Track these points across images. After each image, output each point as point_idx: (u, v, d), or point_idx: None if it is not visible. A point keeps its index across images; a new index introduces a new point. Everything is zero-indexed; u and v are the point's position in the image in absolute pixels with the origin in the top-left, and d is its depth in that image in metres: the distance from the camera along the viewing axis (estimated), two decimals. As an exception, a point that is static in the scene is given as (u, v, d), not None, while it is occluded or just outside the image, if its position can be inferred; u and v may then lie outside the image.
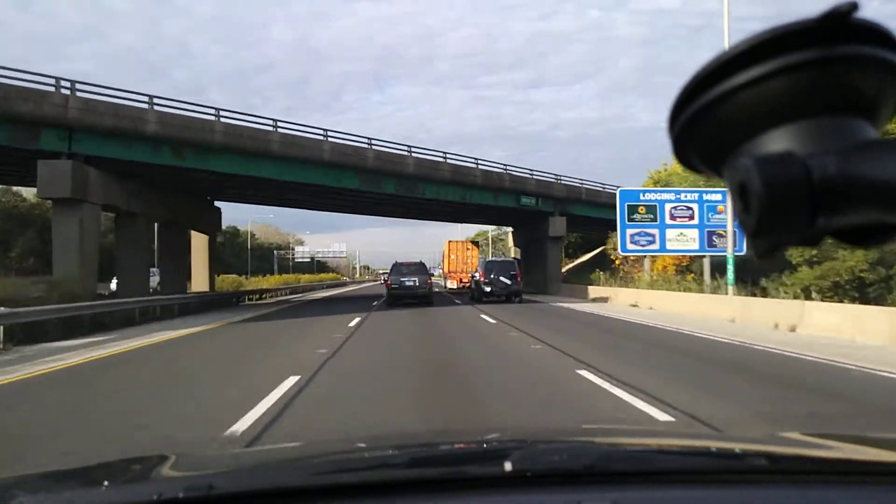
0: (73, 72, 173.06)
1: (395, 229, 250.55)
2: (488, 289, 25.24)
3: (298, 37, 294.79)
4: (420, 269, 25.00)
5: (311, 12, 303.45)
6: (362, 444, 2.02)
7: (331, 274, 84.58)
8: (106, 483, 1.33)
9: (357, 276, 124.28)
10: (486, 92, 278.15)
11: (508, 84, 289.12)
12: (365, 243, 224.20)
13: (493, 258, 30.26)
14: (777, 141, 0.44)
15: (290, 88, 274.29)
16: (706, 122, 0.47)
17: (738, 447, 1.62)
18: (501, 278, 25.14)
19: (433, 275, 30.72)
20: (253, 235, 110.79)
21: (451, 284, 45.75)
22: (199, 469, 1.60)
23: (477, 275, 27.20)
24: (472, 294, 28.57)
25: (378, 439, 2.36)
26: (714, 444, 1.74)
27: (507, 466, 1.21)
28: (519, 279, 25.69)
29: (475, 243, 57.34)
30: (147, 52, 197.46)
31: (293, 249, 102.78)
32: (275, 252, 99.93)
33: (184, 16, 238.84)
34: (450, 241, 48.25)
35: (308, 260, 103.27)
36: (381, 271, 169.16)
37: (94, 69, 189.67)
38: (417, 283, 23.94)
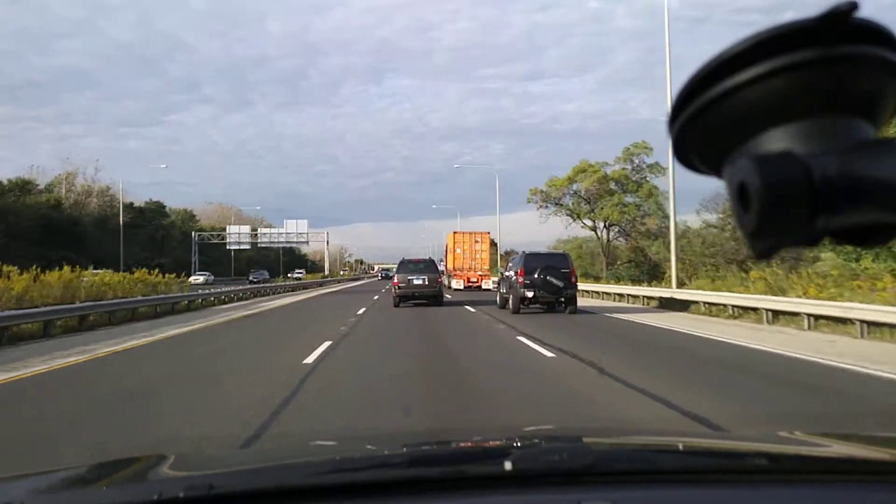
0: (65, 67, 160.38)
1: (390, 225, 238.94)
2: (530, 293, 17.84)
3: (294, 30, 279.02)
4: (429, 266, 23.00)
5: (307, 4, 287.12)
6: (362, 444, 2.04)
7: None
8: (106, 483, 1.34)
9: (326, 273, 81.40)
10: (485, 84, 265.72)
11: (507, 76, 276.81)
12: (359, 238, 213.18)
13: (534, 251, 20.44)
14: (777, 141, 0.44)
15: (287, 82, 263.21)
16: (706, 122, 0.46)
17: (738, 447, 1.64)
18: (549, 278, 17.64)
19: (441, 272, 27.01)
20: (193, 217, 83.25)
21: (457, 284, 36.62)
22: (199, 469, 1.62)
23: (511, 273, 19.00)
24: (500, 300, 20.56)
25: (378, 439, 2.47)
26: (714, 444, 1.76)
27: (508, 466, 1.22)
28: (574, 280, 18.26)
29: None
30: (140, 46, 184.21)
31: (225, 232, 70.83)
32: (194, 235, 70.79)
33: (177, 9, 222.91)
34: (454, 233, 40.11)
35: (247, 248, 74.11)
36: (379, 266, 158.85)
37: (86, 64, 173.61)
38: (426, 282, 22.05)
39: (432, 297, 22.11)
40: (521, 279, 17.79)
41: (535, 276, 17.51)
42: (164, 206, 75.40)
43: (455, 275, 37.12)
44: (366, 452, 1.72)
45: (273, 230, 74.00)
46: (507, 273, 19.91)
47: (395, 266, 23.51)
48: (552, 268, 17.74)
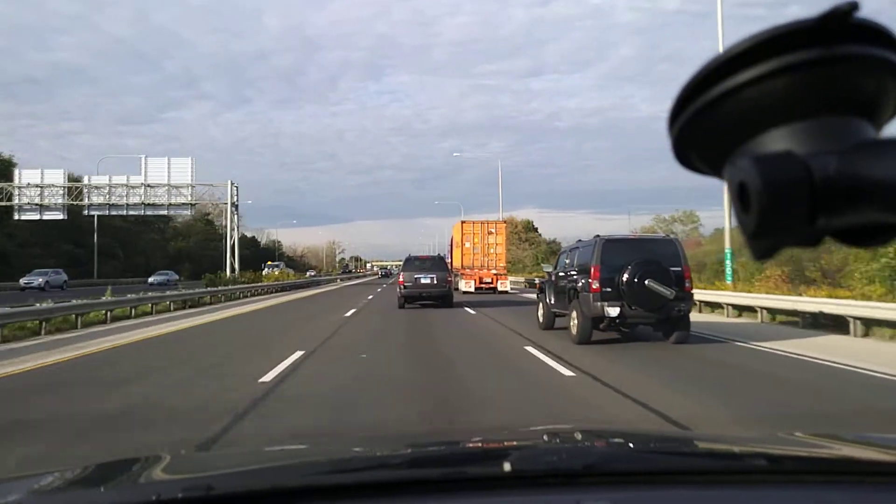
0: (62, 62, 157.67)
1: (390, 222, 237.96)
2: (614, 309, 10.28)
3: (292, 24, 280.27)
4: (437, 264, 21.13)
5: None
6: (362, 444, 2.04)
7: None
8: (105, 483, 1.34)
9: (227, 274, 38.19)
10: (485, 81, 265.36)
11: (507, 72, 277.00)
12: (359, 236, 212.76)
13: (615, 235, 11.70)
14: (777, 140, 0.44)
15: (285, 78, 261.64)
16: (706, 122, 0.46)
17: (737, 447, 1.63)
18: (650, 283, 10.09)
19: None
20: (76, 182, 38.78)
21: (466, 286, 29.81)
22: (198, 469, 1.62)
23: (573, 274, 11.52)
24: (544, 316, 13.28)
25: (378, 439, 2.42)
26: (714, 445, 1.75)
27: (507, 467, 1.22)
28: (688, 285, 10.63)
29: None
30: (137, 42, 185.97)
31: (11, 185, 36.56)
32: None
33: (174, 4, 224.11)
34: (462, 222, 32.71)
35: (58, 215, 37.63)
36: (373, 264, 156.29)
37: (83, 60, 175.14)
38: (435, 281, 20.06)
39: (441, 297, 20.10)
40: (594, 284, 10.33)
41: (625, 278, 10.12)
42: (12, 164, 46.82)
43: (464, 274, 30.36)
44: (365, 453, 1.72)
45: (115, 181, 36.84)
46: (562, 274, 12.29)
47: (392, 264, 21.24)
48: (653, 264, 10.20)
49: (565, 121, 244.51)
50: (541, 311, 13.63)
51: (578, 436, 1.94)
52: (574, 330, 10.97)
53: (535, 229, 75.38)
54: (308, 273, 76.73)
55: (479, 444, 1.82)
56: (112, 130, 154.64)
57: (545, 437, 1.87)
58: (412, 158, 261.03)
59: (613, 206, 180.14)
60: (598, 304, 10.37)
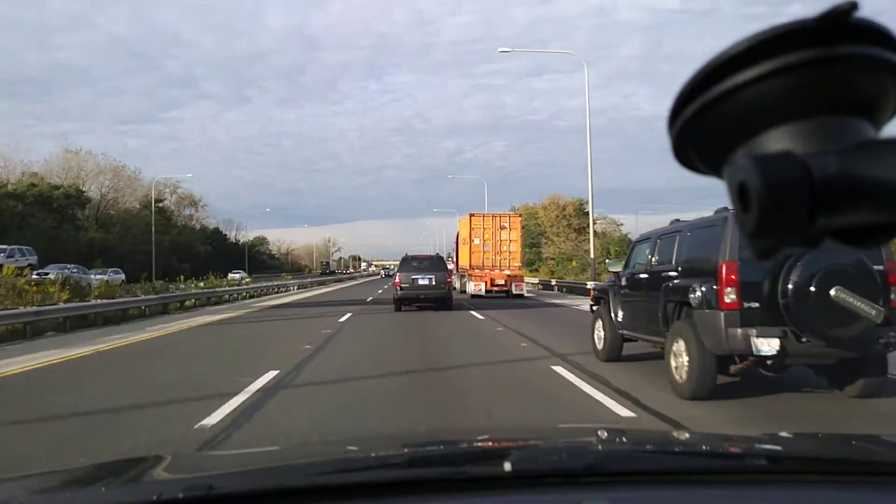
0: (62, 62, 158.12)
1: (392, 222, 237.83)
2: (769, 343, 5.44)
3: (292, 24, 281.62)
4: (436, 263, 19.88)
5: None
6: (362, 444, 2.03)
7: None
8: (105, 483, 1.34)
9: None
10: (486, 80, 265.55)
11: (508, 72, 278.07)
12: (362, 236, 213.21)
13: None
14: (777, 140, 0.44)
15: (286, 78, 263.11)
16: (706, 122, 0.47)
17: (737, 447, 1.62)
18: (839, 294, 5.11)
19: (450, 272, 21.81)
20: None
21: (475, 288, 25.77)
22: (198, 469, 1.62)
23: (669, 275, 6.94)
24: (606, 341, 8.49)
25: (378, 439, 2.39)
26: (715, 444, 1.75)
27: (507, 466, 1.22)
28: (894, 296, 5.53)
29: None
30: (137, 41, 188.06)
31: None
32: None
33: (174, 3, 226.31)
34: (471, 215, 27.74)
35: None
36: (367, 263, 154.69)
37: (83, 59, 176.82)
38: (434, 282, 18.78)
39: (439, 299, 18.72)
40: (730, 295, 5.75)
41: (791, 285, 5.40)
42: None
43: (473, 275, 26.25)
44: (366, 453, 1.72)
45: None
46: (643, 276, 7.83)
47: (393, 263, 19.10)
48: (843, 259, 5.37)
49: (567, 120, 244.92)
50: (599, 332, 8.82)
51: (579, 435, 1.92)
52: (681, 374, 6.21)
53: (587, 213, 53.12)
54: (235, 274, 53.57)
55: (480, 444, 1.83)
56: (112, 130, 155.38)
57: (545, 437, 1.86)
58: (414, 158, 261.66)
59: (616, 206, 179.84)
60: (738, 331, 5.69)
